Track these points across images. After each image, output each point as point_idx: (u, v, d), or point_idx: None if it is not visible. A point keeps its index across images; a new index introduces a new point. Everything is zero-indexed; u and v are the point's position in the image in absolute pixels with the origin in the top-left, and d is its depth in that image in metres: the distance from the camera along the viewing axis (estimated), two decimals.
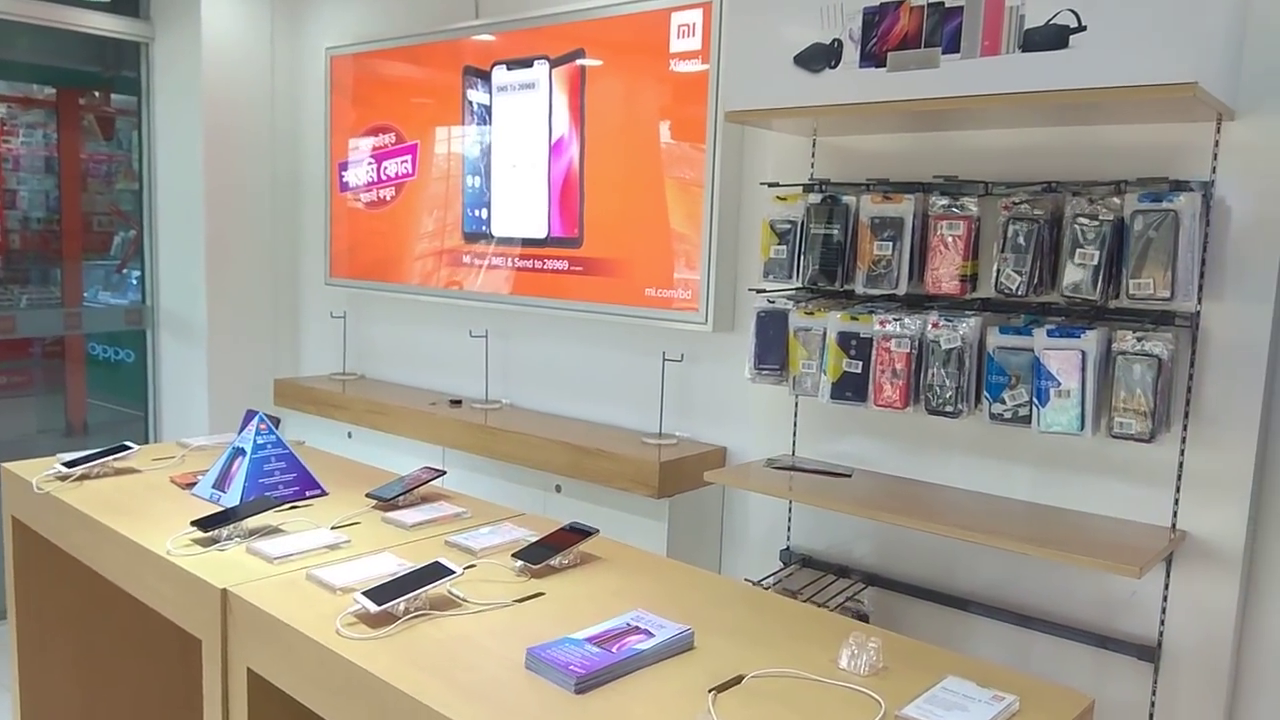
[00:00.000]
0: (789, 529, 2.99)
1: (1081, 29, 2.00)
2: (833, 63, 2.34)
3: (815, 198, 2.66)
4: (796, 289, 2.75)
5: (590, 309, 3.48)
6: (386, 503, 2.37)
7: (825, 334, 2.61)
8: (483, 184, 3.84)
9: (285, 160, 4.82)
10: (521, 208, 3.70)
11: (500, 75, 3.73)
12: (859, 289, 2.58)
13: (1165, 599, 2.36)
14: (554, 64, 3.54)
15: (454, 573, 1.78)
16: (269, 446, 2.45)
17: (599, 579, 1.94)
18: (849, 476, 2.75)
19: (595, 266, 3.47)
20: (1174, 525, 2.34)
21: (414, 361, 4.37)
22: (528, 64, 3.62)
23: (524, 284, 3.71)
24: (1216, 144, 2.22)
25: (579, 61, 3.45)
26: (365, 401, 4.05)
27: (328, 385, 4.35)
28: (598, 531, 2.06)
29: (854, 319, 2.57)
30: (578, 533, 2.05)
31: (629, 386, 3.52)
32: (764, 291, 2.77)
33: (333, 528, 2.19)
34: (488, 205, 3.83)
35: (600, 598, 1.84)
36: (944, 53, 2.18)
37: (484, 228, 3.85)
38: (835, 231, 2.61)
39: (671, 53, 3.16)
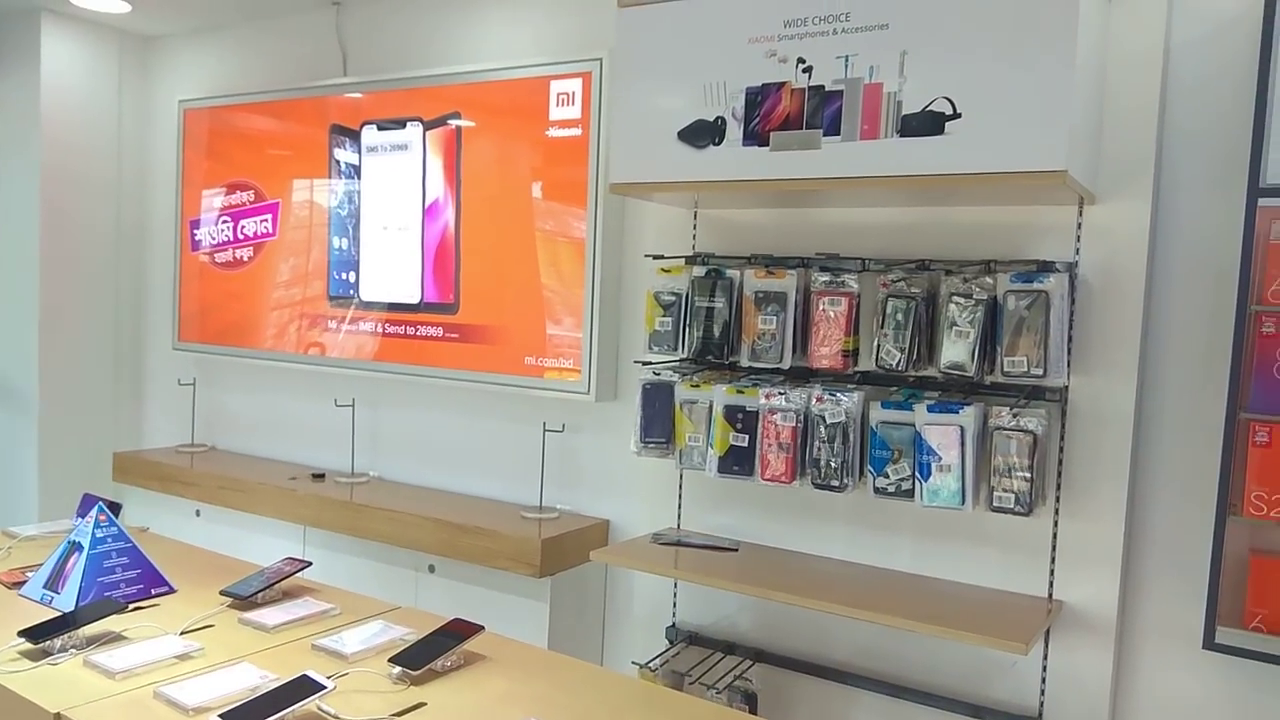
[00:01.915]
0: (675, 605, 2.92)
1: (957, 116, 2.07)
2: (716, 139, 2.34)
3: (699, 270, 2.65)
4: (682, 361, 2.72)
5: (466, 377, 3.35)
6: (244, 601, 2.17)
7: (712, 407, 2.58)
8: (350, 246, 3.67)
9: (131, 216, 4.50)
10: (393, 271, 3.55)
11: (370, 135, 3.60)
12: (744, 362, 2.57)
13: (1045, 669, 2.41)
14: (428, 126, 3.44)
15: (324, 687, 1.62)
16: (109, 540, 2.21)
17: (485, 682, 1.81)
18: (735, 551, 2.71)
19: (472, 333, 3.35)
20: (1050, 595, 2.39)
21: (271, 432, 4.10)
22: (400, 125, 3.50)
23: (395, 350, 3.55)
24: (1079, 226, 2.33)
25: (454, 124, 3.37)
26: (216, 476, 3.76)
27: (174, 459, 4.03)
28: (483, 628, 1.93)
29: (740, 392, 2.55)
30: (460, 630, 1.92)
31: (508, 458, 3.40)
32: (649, 363, 2.72)
33: (183, 633, 1.98)
34: (355, 268, 3.66)
35: (488, 706, 1.71)
36: (825, 135, 2.21)
37: (351, 291, 3.68)
38: (720, 304, 2.60)
39: (550, 120, 3.12)
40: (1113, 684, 2.36)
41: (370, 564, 3.39)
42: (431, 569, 3.25)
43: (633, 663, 2.79)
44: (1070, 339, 2.32)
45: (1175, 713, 2.35)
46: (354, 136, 3.63)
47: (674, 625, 2.91)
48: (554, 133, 3.12)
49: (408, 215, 3.50)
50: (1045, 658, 2.40)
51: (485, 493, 3.47)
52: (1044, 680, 2.41)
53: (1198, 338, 2.29)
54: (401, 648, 1.89)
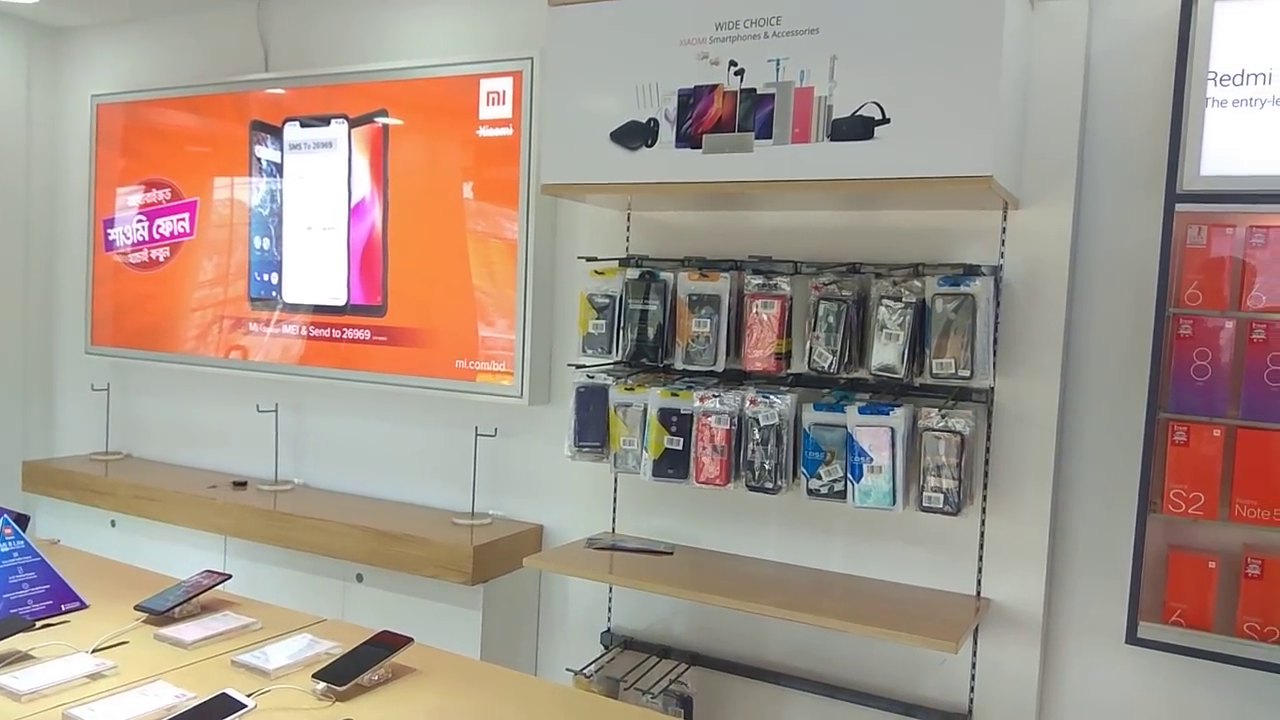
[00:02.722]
0: (610, 610, 2.89)
1: (886, 121, 2.09)
2: (649, 141, 2.32)
3: (633, 273, 2.63)
4: (616, 364, 2.70)
5: (395, 381, 3.28)
6: (160, 616, 2.08)
7: (646, 410, 2.57)
8: (273, 246, 3.56)
9: (41, 215, 4.30)
10: (318, 272, 3.46)
11: (293, 132, 3.50)
12: (678, 365, 2.56)
13: (974, 666, 2.45)
14: (353, 123, 3.36)
15: (244, 705, 1.56)
16: (15, 554, 2.10)
17: (414, 697, 1.76)
18: (670, 554, 2.69)
19: (401, 336, 3.28)
20: (979, 594, 2.43)
21: (191, 439, 3.96)
22: (324, 122, 3.41)
23: (320, 354, 3.45)
24: (1004, 231, 2.37)
25: (381, 122, 3.29)
26: (132, 485, 3.61)
27: (87, 467, 3.86)
28: (412, 641, 1.88)
29: (674, 395, 2.54)
30: (389, 643, 1.86)
31: (439, 463, 3.33)
32: (583, 367, 2.69)
33: (94, 651, 1.88)
34: (278, 269, 3.55)
35: None
36: (757, 138, 2.21)
37: (274, 293, 3.57)
38: (654, 307, 2.58)
39: (481, 119, 3.07)
40: (1039, 680, 2.41)
41: (295, 575, 3.30)
42: (360, 579, 3.17)
43: (567, 670, 2.75)
44: (996, 341, 2.36)
45: (1100, 706, 2.41)
46: (276, 133, 3.53)
47: (609, 630, 2.89)
48: (485, 132, 3.07)
49: (333, 215, 3.41)
50: (974, 655, 2.44)
51: (415, 499, 3.40)
52: (973, 677, 2.45)
53: (1119, 340, 2.35)
54: (327, 662, 1.82)
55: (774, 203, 2.53)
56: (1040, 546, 2.36)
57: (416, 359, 3.23)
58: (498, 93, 3.03)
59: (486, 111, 3.06)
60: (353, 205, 3.37)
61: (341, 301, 3.41)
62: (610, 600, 2.89)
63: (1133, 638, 2.20)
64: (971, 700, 2.45)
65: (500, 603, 3.01)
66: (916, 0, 2.04)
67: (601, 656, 2.81)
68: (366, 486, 3.51)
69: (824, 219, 2.58)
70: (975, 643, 2.44)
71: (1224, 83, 2.07)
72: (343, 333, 3.40)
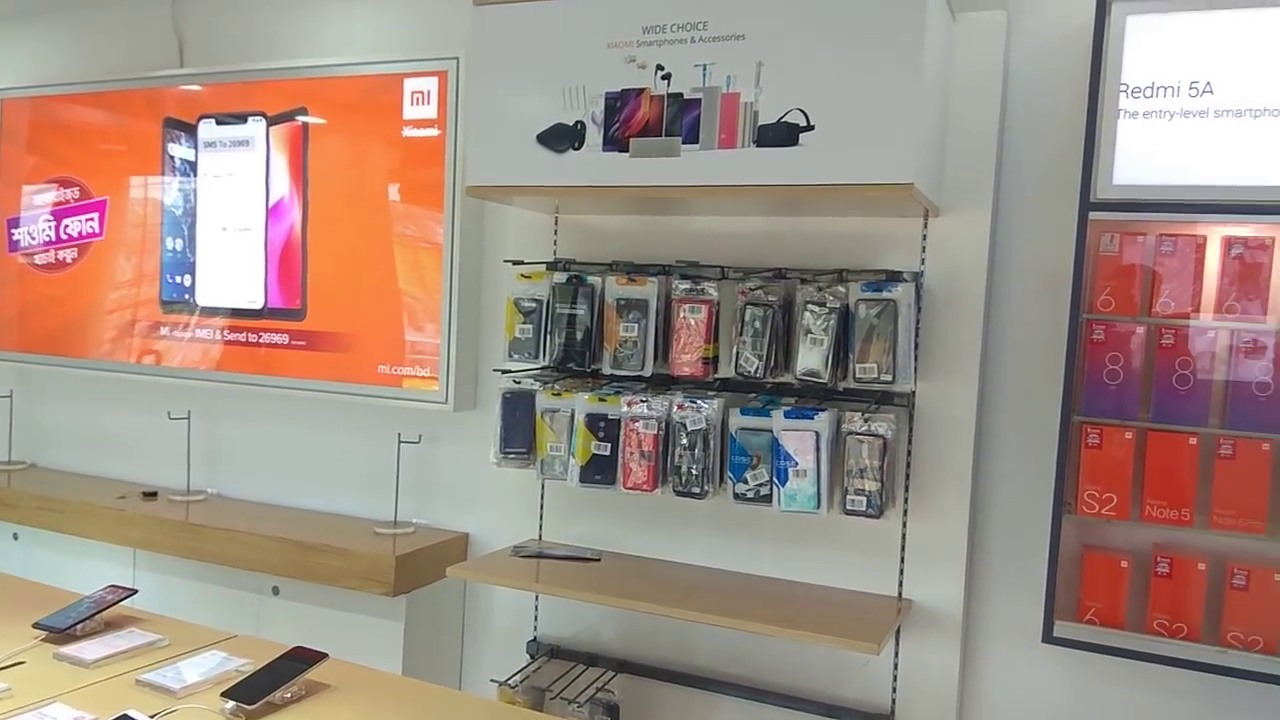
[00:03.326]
0: (536, 618, 2.85)
1: (810, 128, 2.10)
2: (576, 144, 2.30)
3: (560, 277, 2.60)
4: (543, 369, 2.66)
5: (315, 386, 3.19)
6: (60, 634, 1.97)
7: (573, 415, 2.54)
8: (186, 247, 3.44)
9: None
10: (233, 275, 3.35)
11: (208, 130, 3.38)
12: (606, 370, 2.54)
13: (896, 666, 2.48)
14: (271, 121, 3.26)
15: None
16: None
17: (328, 714, 1.70)
18: (598, 561, 2.67)
19: (321, 341, 3.19)
20: (900, 595, 2.46)
21: (98, 447, 3.79)
22: (241, 119, 3.31)
23: (236, 359, 3.34)
24: (925, 238, 2.41)
25: (300, 120, 3.20)
26: (36, 496, 3.45)
27: None
28: (326, 656, 1.82)
29: (602, 400, 2.51)
30: (303, 658, 1.80)
31: (360, 472, 3.25)
32: (509, 372, 2.65)
33: None
34: (192, 271, 3.43)
35: None
36: (684, 142, 2.21)
37: (187, 296, 3.45)
38: (581, 311, 2.56)
39: (405, 119, 3.01)
40: (960, 679, 2.45)
41: (208, 589, 3.18)
42: (276, 591, 3.07)
43: (492, 681, 2.71)
44: (917, 346, 2.40)
45: (1018, 704, 2.46)
46: (190, 131, 3.41)
47: (535, 639, 2.85)
48: (410, 132, 3.01)
49: (250, 215, 3.31)
50: (896, 655, 2.47)
51: (336, 508, 3.31)
52: (895, 678, 2.48)
53: (1035, 344, 2.40)
54: (237, 679, 1.75)
55: (702, 207, 2.53)
56: (960, 547, 2.41)
57: (337, 364, 3.14)
58: (422, 93, 2.97)
59: (411, 111, 3.00)
60: (271, 205, 3.28)
61: (258, 305, 3.30)
62: (537, 609, 2.85)
63: (1049, 636, 2.25)
64: (894, 700, 2.47)
65: (423, 614, 2.95)
66: (840, 9, 2.06)
67: (527, 666, 2.77)
68: (284, 496, 3.41)
69: (751, 224, 2.59)
70: (897, 643, 2.47)
71: (1135, 95, 2.13)
72: (259, 337, 3.30)
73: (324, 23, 3.30)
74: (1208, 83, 2.08)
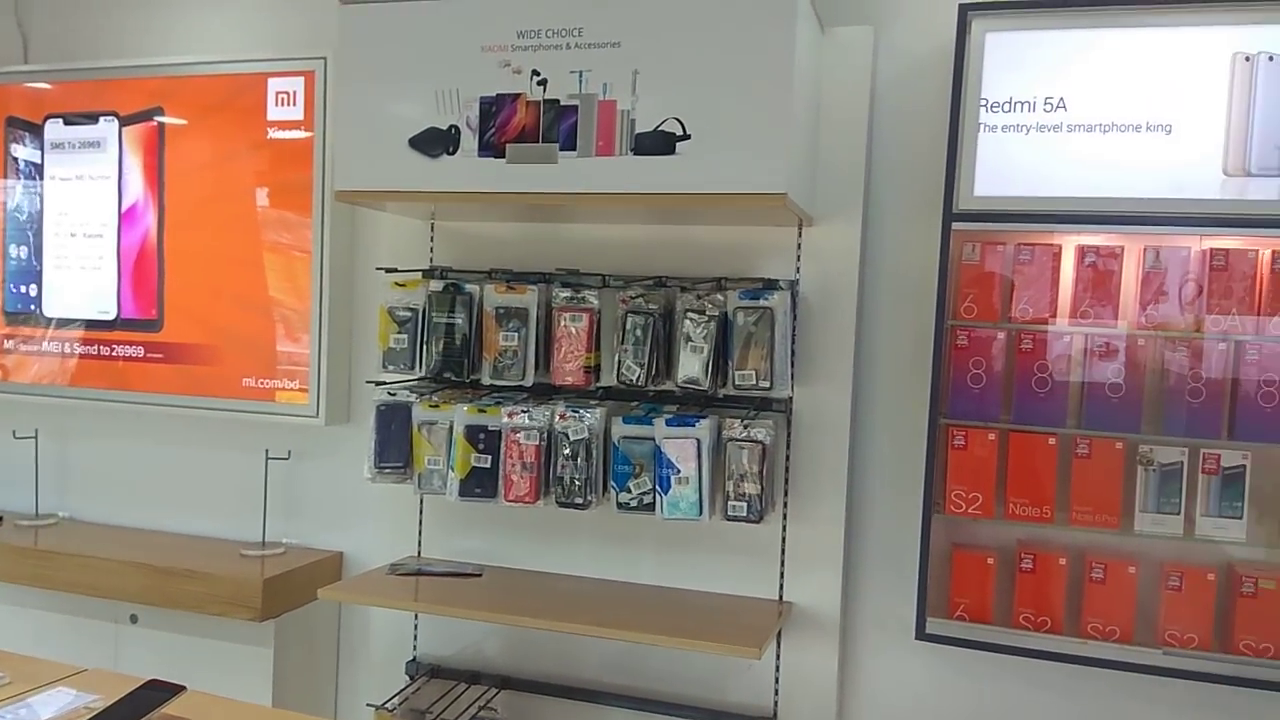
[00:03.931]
0: (415, 638, 2.77)
1: (687, 137, 2.11)
2: (450, 149, 2.24)
3: (437, 285, 2.53)
4: (419, 380, 2.59)
5: (173, 402, 3.01)
6: None
7: (452, 427, 2.47)
8: (30, 255, 3.20)
9: None
10: (84, 284, 3.13)
11: (55, 130, 3.16)
12: (486, 380, 2.49)
13: (778, 669, 2.51)
14: (125, 121, 3.07)
15: None
16: None
17: None
18: (479, 576, 2.61)
19: (180, 353, 3.02)
20: (781, 598, 2.49)
21: None
22: (91, 119, 3.11)
23: (87, 374, 3.13)
24: (799, 247, 2.46)
25: (157, 120, 3.03)
26: None
27: None
28: (184, 689, 1.70)
29: (482, 411, 2.46)
30: (157, 692, 1.68)
31: (225, 491, 3.08)
32: (383, 383, 2.57)
33: None
34: (38, 280, 3.20)
35: None
36: (561, 149, 2.18)
37: (32, 306, 3.21)
38: (459, 320, 2.49)
39: (270, 121, 2.88)
40: (839, 678, 2.49)
41: (60, 619, 2.96)
42: (134, 620, 2.89)
43: (368, 705, 2.60)
44: (794, 353, 2.44)
45: (895, 700, 2.53)
46: (35, 131, 3.18)
47: (415, 659, 2.76)
48: (275, 135, 2.89)
49: (101, 221, 3.10)
50: (778, 658, 2.50)
51: (199, 530, 3.13)
52: (777, 680, 2.51)
53: (904, 350, 2.48)
54: (86, 718, 1.62)
55: (582, 215, 2.51)
56: (837, 549, 2.45)
57: (198, 377, 2.98)
58: (288, 93, 2.85)
59: (276, 113, 2.88)
60: (124, 210, 3.08)
61: (111, 315, 3.10)
62: (416, 628, 2.76)
63: (921, 633, 2.32)
64: (776, 702, 2.50)
65: (295, 638, 2.82)
66: (713, 20, 2.08)
67: (406, 688, 2.68)
68: (143, 519, 3.20)
69: (632, 232, 2.58)
70: (779, 646, 2.50)
71: (995, 110, 2.23)
72: (113, 350, 3.10)
73: (181, 19, 3.13)
74: (1061, 98, 2.19)
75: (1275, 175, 2.07)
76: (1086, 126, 2.17)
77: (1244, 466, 2.15)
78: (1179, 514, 2.19)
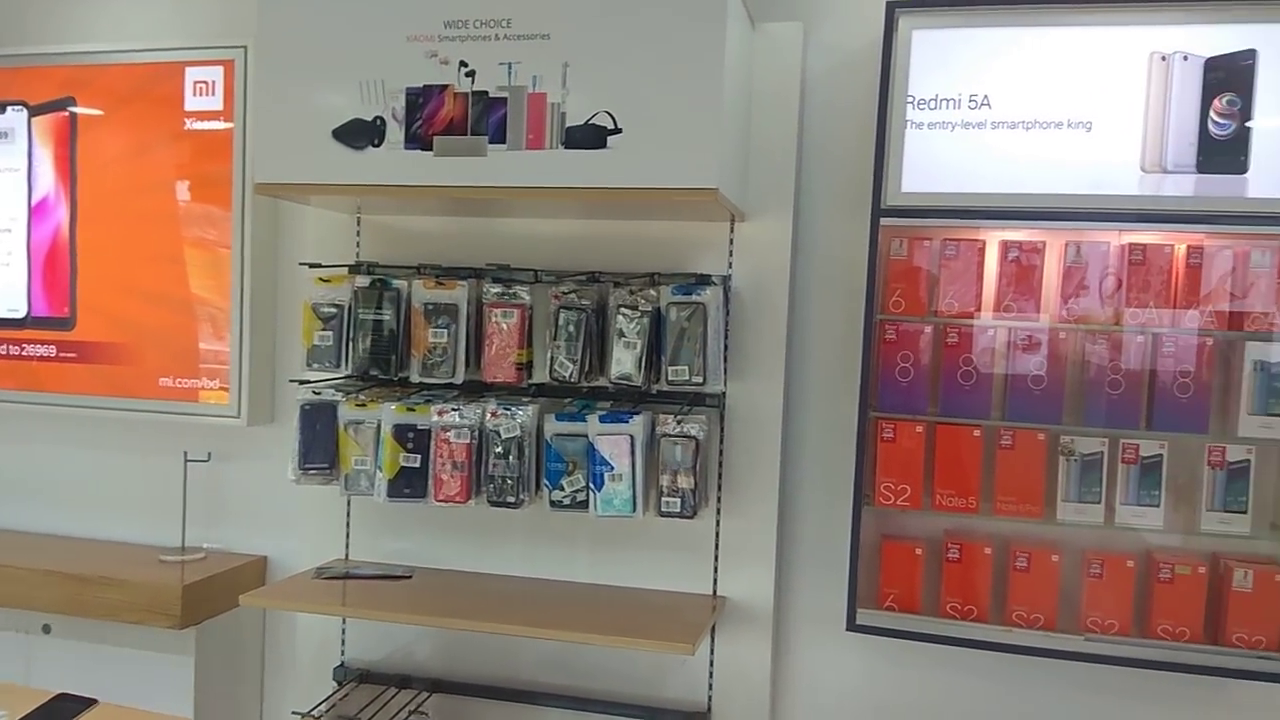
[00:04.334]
0: (343, 643, 2.70)
1: (618, 131, 2.09)
2: (376, 141, 2.19)
3: (363, 280, 2.47)
4: (345, 379, 2.52)
5: (88, 403, 2.89)
6: None
7: (380, 427, 2.41)
8: None
9: None
10: None
11: None
12: (415, 377, 2.44)
13: (712, 663, 2.51)
14: (34, 111, 2.94)
15: None
16: None
17: None
18: (409, 578, 2.56)
19: (93, 352, 2.90)
20: (715, 593, 2.49)
21: None
22: None
23: None
24: (732, 242, 2.46)
25: (68, 110, 2.90)
26: None
27: None
28: (96, 702, 1.63)
29: (411, 410, 2.41)
30: (68, 704, 1.61)
31: (142, 495, 2.97)
32: (307, 382, 2.50)
33: None
34: None
35: None
36: (490, 142, 2.14)
37: None
38: (387, 317, 2.44)
39: (187, 110, 2.78)
40: (772, 671, 2.51)
41: None
42: (47, 630, 2.77)
43: (294, 713, 2.53)
44: (727, 348, 2.44)
45: (828, 692, 2.55)
46: None
47: (343, 664, 2.69)
48: (194, 125, 2.79)
49: (10, 215, 2.96)
50: (712, 653, 2.50)
51: (116, 536, 3.01)
52: (711, 675, 2.51)
53: (835, 344, 2.50)
54: None
55: (513, 209, 2.48)
56: (769, 543, 2.46)
57: (114, 378, 2.87)
58: (206, 83, 2.76)
59: (194, 103, 2.78)
60: (34, 204, 2.95)
61: (21, 313, 2.97)
62: (344, 633, 2.70)
63: (852, 625, 2.34)
64: (710, 697, 2.50)
65: (217, 646, 2.73)
66: (644, 14, 2.06)
67: (334, 694, 2.61)
68: (56, 525, 3.07)
69: (565, 227, 2.56)
70: (713, 640, 2.50)
71: (921, 106, 2.26)
72: (22, 349, 2.96)
73: (94, 5, 3.00)
74: (985, 96, 2.22)
75: (1190, 172, 2.14)
76: (1009, 124, 2.20)
77: (1161, 456, 2.22)
78: (1100, 503, 2.24)
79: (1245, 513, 2.19)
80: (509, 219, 2.58)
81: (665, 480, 2.33)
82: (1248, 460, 2.19)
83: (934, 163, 2.25)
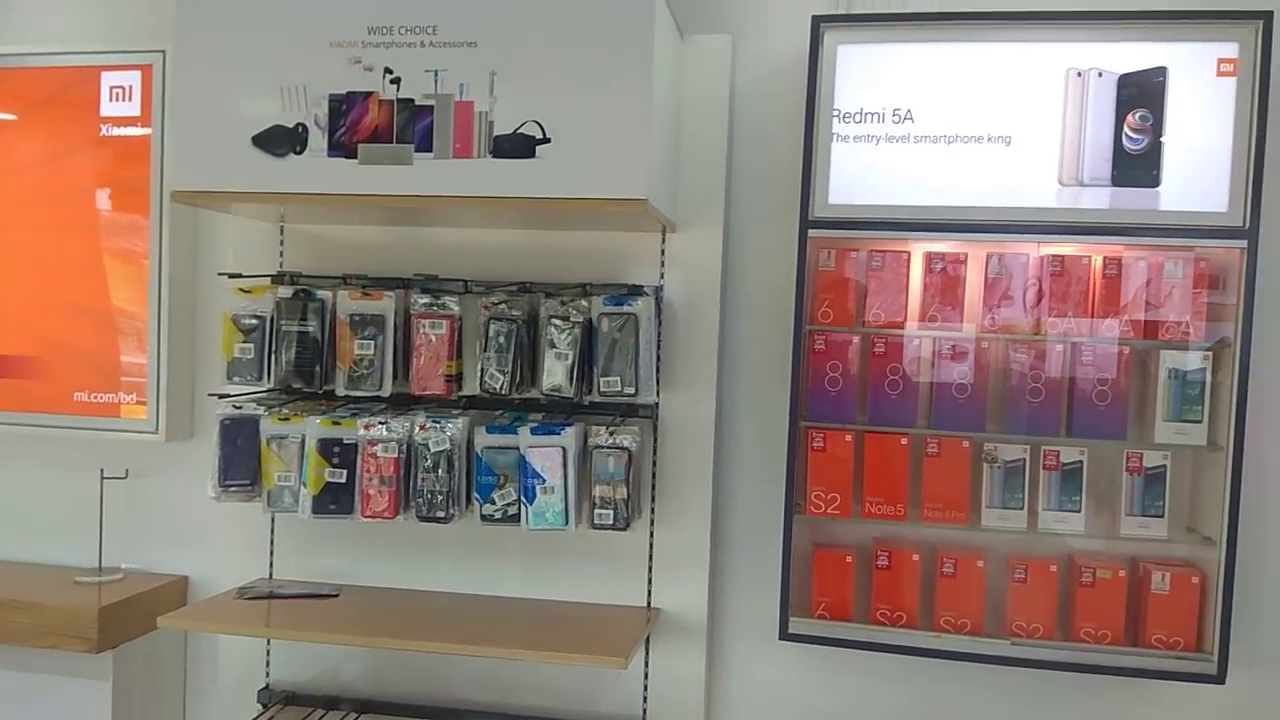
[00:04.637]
0: (268, 664, 2.62)
1: (546, 141, 2.07)
2: (297, 148, 2.14)
3: (286, 291, 2.41)
4: (268, 392, 2.46)
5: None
6: None
7: (304, 441, 2.36)
8: None
9: None
10: None
11: None
12: (340, 390, 2.38)
13: (646, 675, 2.49)
14: None
15: None
16: None
17: None
18: (336, 597, 2.50)
19: (5, 366, 2.78)
20: (649, 604, 2.48)
21: None
22: None
23: None
24: (663, 253, 2.45)
25: None
26: None
27: None
28: None
29: (336, 423, 2.35)
30: None
31: (57, 514, 2.85)
32: (227, 396, 2.43)
33: None
34: None
35: None
36: (417, 150, 2.11)
37: None
38: (311, 328, 2.38)
39: (104, 116, 2.69)
40: (706, 682, 2.50)
41: None
42: None
43: None
44: (659, 359, 2.43)
45: (762, 701, 2.55)
46: None
47: (268, 687, 2.62)
48: (111, 132, 2.70)
49: None
50: (646, 665, 2.49)
51: (30, 557, 2.88)
52: (646, 687, 2.49)
53: (766, 354, 2.51)
54: None
55: (441, 219, 2.44)
56: (703, 554, 2.46)
57: (22, 393, 2.75)
58: (123, 88, 2.67)
59: (110, 109, 2.69)
60: None
61: None
62: (269, 654, 2.62)
63: (784, 634, 2.34)
64: (645, 710, 2.49)
65: (136, 670, 2.64)
66: (572, 24, 2.05)
67: (259, 717, 2.53)
68: None
69: (496, 237, 2.53)
70: (647, 653, 2.48)
71: (847, 120, 2.28)
72: None
73: (9, 7, 2.89)
74: (909, 110, 2.26)
75: (1105, 186, 2.19)
76: (932, 138, 2.24)
77: (1081, 462, 2.27)
78: (1023, 508, 2.28)
79: (1163, 517, 2.25)
80: (438, 228, 2.55)
81: (598, 492, 2.31)
82: (1164, 466, 2.25)
83: (860, 175, 2.27)
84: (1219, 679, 2.18)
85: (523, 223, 2.45)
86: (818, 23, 2.26)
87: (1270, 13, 2.10)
